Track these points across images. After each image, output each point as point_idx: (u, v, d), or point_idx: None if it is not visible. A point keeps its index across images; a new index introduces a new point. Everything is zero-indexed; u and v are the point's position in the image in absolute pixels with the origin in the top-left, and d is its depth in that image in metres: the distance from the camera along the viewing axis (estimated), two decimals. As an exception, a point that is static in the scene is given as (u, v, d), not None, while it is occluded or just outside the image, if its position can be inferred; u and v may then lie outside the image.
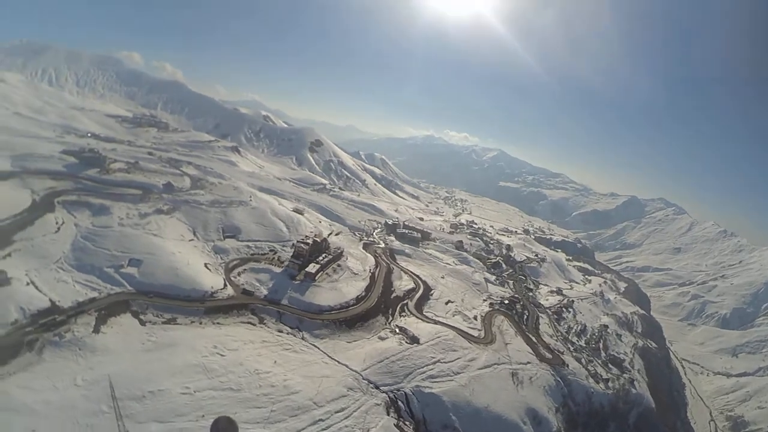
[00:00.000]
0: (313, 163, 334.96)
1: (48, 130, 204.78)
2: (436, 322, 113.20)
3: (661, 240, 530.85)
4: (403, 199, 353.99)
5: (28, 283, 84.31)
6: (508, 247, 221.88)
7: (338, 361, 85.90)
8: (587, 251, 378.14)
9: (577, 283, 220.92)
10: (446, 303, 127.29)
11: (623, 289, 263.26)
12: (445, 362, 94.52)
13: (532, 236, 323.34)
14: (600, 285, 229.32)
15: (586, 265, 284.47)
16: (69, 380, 65.30)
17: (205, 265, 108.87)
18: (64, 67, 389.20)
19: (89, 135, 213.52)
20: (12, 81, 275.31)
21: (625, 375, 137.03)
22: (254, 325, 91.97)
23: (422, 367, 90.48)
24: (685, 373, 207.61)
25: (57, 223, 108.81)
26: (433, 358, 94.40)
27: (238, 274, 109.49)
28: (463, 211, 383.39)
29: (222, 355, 76.94)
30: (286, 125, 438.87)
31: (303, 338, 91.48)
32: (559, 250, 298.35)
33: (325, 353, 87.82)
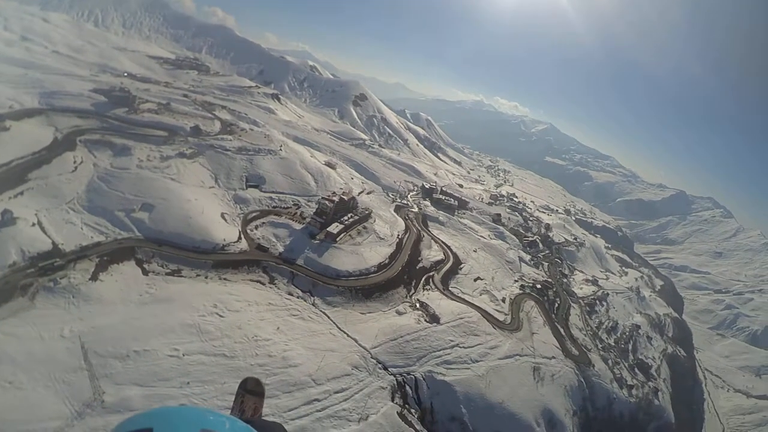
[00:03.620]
0: (356, 117, 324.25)
1: (84, 68, 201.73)
2: (461, 300, 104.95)
3: (704, 241, 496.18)
4: (445, 163, 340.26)
5: (33, 224, 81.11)
6: (547, 227, 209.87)
7: (347, 334, 79.10)
8: (627, 241, 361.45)
9: (613, 273, 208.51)
10: (475, 280, 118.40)
11: (659, 287, 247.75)
12: (464, 347, 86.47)
13: (573, 217, 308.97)
14: (636, 279, 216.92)
15: (625, 256, 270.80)
16: (56, 330, 61.82)
17: (222, 215, 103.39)
18: (111, 9, 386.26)
19: (125, 74, 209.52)
20: (55, 20, 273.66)
21: (650, 383, 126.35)
22: (263, 284, 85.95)
23: (438, 351, 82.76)
24: (706, 385, 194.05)
25: (75, 162, 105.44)
26: (452, 341, 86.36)
27: (256, 227, 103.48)
28: (505, 182, 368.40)
29: (221, 316, 71.34)
30: (332, 77, 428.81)
31: (313, 304, 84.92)
32: (599, 236, 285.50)
33: (334, 323, 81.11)
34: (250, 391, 8.88)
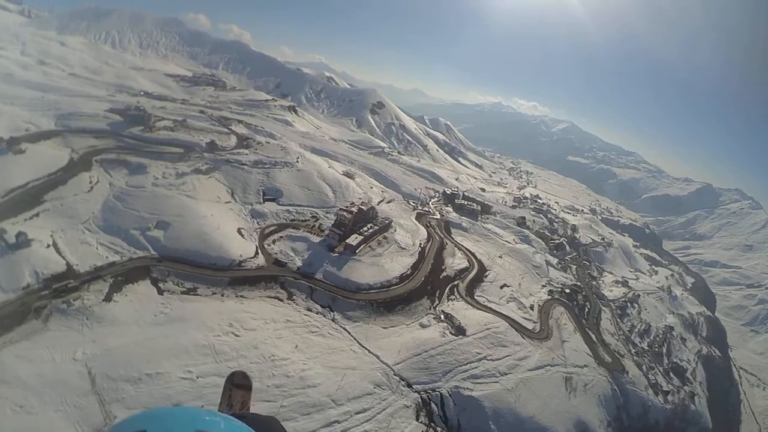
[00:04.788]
0: (374, 125, 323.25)
1: (101, 89, 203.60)
2: (487, 310, 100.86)
3: (733, 234, 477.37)
4: (466, 167, 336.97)
5: (48, 245, 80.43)
6: (574, 228, 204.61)
7: (368, 350, 75.89)
8: (655, 238, 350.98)
9: (643, 273, 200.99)
10: (501, 287, 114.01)
11: (690, 285, 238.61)
12: (491, 360, 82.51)
13: (599, 217, 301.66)
14: (667, 278, 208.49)
15: (654, 254, 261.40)
16: (68, 353, 60.56)
17: (239, 230, 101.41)
18: (128, 30, 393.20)
19: (141, 93, 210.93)
20: (72, 44, 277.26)
21: (686, 388, 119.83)
22: (281, 300, 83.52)
23: (465, 365, 79.00)
24: (741, 385, 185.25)
25: (91, 182, 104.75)
26: (479, 354, 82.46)
27: (273, 242, 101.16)
28: (527, 183, 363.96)
29: (237, 335, 68.92)
30: (349, 86, 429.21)
31: (333, 319, 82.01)
32: (626, 235, 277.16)
33: (355, 339, 78.06)
34: (238, 384, 8.61)
